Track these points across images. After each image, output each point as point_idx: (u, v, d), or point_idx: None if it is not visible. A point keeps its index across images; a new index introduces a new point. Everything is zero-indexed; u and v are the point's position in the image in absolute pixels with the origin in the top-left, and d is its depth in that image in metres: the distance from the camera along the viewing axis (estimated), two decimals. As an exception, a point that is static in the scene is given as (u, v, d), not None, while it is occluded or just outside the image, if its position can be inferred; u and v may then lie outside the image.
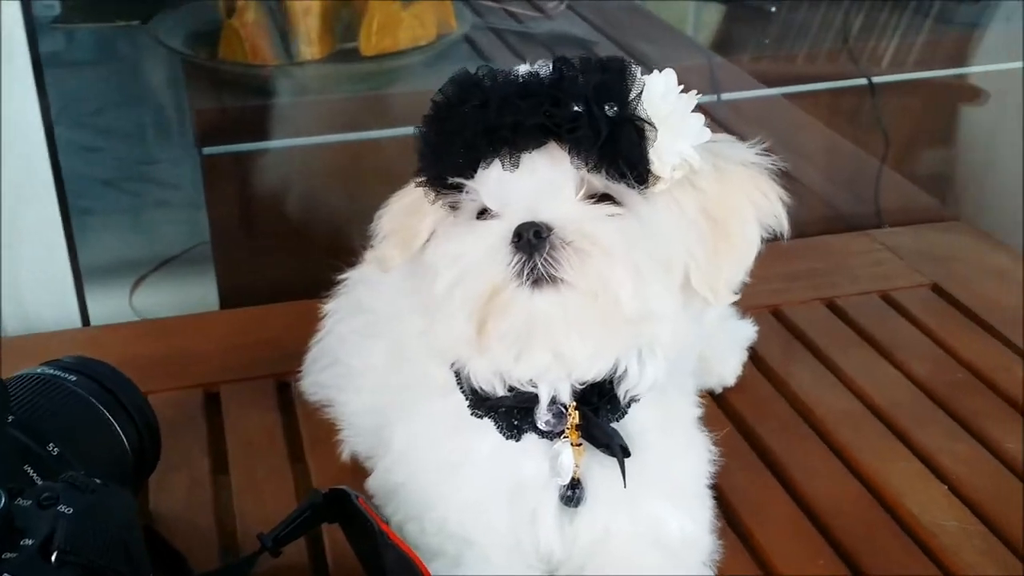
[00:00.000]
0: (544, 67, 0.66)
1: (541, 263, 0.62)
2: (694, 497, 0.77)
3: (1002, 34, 1.62)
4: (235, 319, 1.12)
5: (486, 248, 0.64)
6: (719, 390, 0.98)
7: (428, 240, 0.71)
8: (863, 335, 1.09)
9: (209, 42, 1.38)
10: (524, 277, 0.63)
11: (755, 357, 1.02)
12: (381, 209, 0.77)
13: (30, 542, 0.56)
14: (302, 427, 0.93)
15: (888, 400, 0.99)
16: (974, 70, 1.57)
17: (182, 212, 1.56)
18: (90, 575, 0.57)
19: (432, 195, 0.68)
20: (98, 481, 0.65)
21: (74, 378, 0.76)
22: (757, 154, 0.72)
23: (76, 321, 1.15)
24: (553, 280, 0.63)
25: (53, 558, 0.56)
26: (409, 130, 1.42)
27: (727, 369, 0.98)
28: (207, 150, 1.30)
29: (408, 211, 0.73)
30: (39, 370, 0.77)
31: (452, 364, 0.72)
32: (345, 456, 0.87)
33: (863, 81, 1.51)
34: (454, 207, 0.68)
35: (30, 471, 0.68)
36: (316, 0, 1.32)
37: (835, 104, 1.57)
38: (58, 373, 0.77)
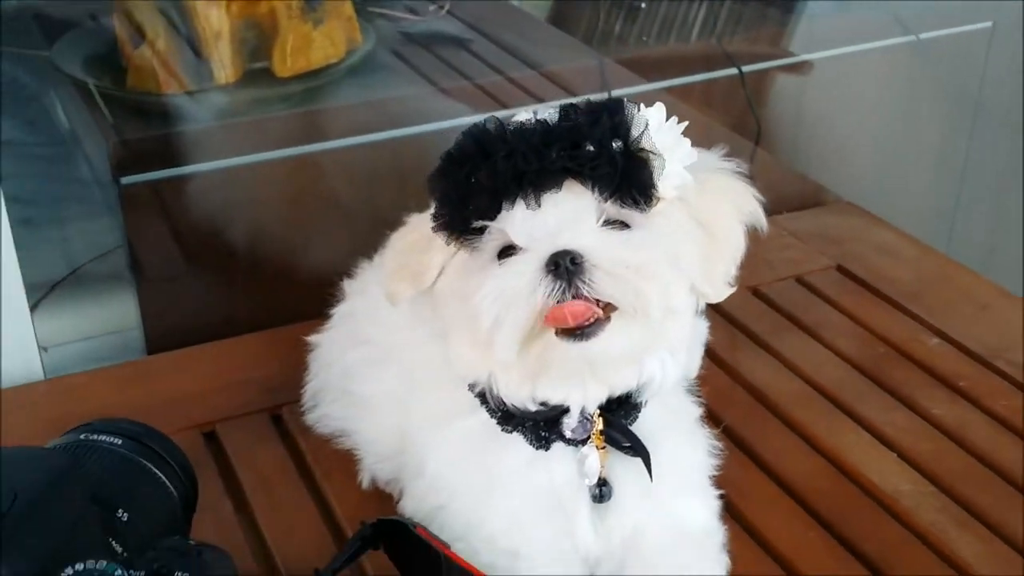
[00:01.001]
0: (548, 113, 0.72)
1: (584, 287, 0.69)
2: (701, 488, 0.86)
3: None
4: (206, 356, 1.12)
5: (527, 279, 0.70)
6: (684, 384, 1.06)
7: (439, 275, 0.77)
8: (790, 319, 1.19)
9: (111, 69, 1.37)
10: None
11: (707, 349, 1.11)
12: (383, 248, 0.84)
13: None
14: (309, 458, 0.96)
15: (827, 378, 1.09)
16: (834, 53, 1.70)
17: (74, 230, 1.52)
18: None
19: (449, 237, 0.74)
20: (191, 542, 0.69)
21: (119, 441, 0.78)
22: (721, 159, 0.81)
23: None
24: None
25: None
26: (337, 144, 1.42)
27: (692, 364, 1.06)
28: (125, 179, 1.29)
29: (413, 248, 0.79)
30: (81, 436, 0.78)
31: (474, 386, 0.78)
32: (366, 483, 0.92)
33: (734, 71, 1.63)
34: (473, 248, 0.74)
35: (113, 543, 0.70)
36: (225, 24, 1.33)
37: (709, 94, 1.67)
38: (103, 438, 0.78)
